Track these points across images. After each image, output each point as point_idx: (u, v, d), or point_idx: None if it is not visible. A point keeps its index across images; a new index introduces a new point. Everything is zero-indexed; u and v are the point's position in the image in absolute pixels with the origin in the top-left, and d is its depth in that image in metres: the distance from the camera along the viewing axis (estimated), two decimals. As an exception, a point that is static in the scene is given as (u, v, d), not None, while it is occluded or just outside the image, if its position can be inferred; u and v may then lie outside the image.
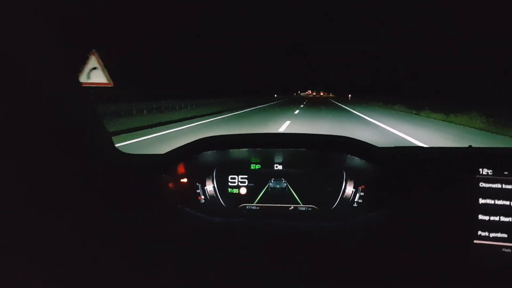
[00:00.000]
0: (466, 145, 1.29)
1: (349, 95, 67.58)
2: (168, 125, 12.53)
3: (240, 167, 1.42)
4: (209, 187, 1.42)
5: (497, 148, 1.24)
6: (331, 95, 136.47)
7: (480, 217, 1.07)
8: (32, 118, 0.83)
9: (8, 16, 0.75)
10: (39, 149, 0.85)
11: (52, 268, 0.87)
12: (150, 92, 23.56)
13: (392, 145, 1.34)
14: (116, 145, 1.28)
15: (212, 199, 1.41)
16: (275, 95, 76.47)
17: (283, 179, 1.39)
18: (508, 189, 1.06)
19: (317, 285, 1.08)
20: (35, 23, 0.83)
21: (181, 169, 1.37)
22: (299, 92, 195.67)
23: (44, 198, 0.86)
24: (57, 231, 0.90)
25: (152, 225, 1.19)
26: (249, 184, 1.41)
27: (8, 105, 0.76)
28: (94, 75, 7.89)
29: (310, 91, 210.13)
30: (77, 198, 0.98)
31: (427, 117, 18.39)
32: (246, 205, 1.40)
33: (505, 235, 1.05)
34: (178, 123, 13.62)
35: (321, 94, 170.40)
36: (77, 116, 1.00)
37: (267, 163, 1.41)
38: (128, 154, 1.39)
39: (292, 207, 1.38)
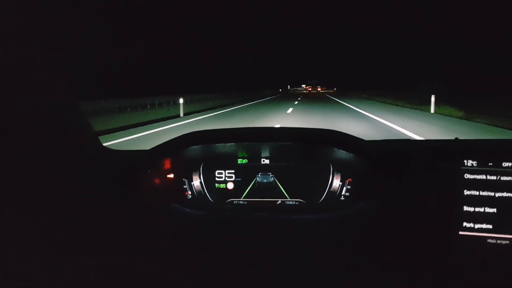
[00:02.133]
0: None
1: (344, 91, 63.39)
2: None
3: (227, 162, 1.41)
4: (196, 182, 1.41)
5: (483, 140, 1.25)
6: (330, 91, 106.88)
7: (465, 208, 1.07)
8: (15, 116, 0.82)
9: None
10: (23, 147, 0.84)
11: (37, 264, 0.86)
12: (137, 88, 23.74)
13: None
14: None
15: (199, 195, 1.40)
16: (280, 90, 72.61)
17: (270, 173, 1.39)
18: (493, 180, 1.07)
19: (306, 278, 1.08)
20: (16, 21, 0.82)
21: (167, 164, 1.36)
22: (289, 87, 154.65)
23: (29, 195, 0.85)
24: (42, 228, 0.89)
25: (138, 221, 1.18)
26: (236, 179, 1.40)
27: None
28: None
29: (305, 85, 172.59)
30: (62, 195, 0.97)
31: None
32: (233, 200, 1.39)
33: (490, 226, 1.06)
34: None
35: (318, 89, 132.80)
36: (60, 113, 0.99)
37: (254, 158, 1.41)
38: (114, 150, 1.38)
39: (280, 201, 1.37)
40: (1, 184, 0.79)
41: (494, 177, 1.07)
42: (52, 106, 0.95)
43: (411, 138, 1.33)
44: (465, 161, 1.09)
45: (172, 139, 1.33)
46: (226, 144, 1.34)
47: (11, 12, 0.79)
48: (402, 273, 1.05)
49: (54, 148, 0.95)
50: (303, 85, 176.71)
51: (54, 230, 0.91)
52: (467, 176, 1.08)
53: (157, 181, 1.32)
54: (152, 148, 1.33)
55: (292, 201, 1.37)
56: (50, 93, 0.94)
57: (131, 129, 10.90)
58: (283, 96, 49.46)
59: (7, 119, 0.79)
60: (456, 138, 1.26)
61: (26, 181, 0.83)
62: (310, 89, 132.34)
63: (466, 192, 1.08)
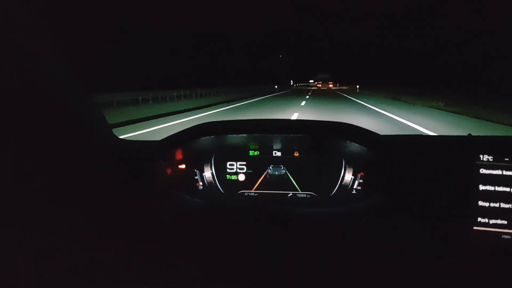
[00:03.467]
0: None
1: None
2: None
3: (239, 154, 1.41)
4: (207, 173, 1.41)
5: (497, 136, 1.23)
6: (344, 87, 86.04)
7: (480, 203, 1.06)
8: (30, 111, 0.83)
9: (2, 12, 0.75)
10: (37, 140, 0.85)
11: (56, 255, 0.87)
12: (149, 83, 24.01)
13: None
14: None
15: (210, 186, 1.40)
16: (276, 86, 55.90)
17: (281, 165, 1.38)
18: (509, 175, 1.05)
19: (316, 270, 1.08)
20: (28, 17, 0.82)
21: (179, 155, 1.36)
22: (292, 83, 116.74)
23: (44, 188, 0.86)
24: (60, 219, 0.90)
25: (150, 211, 1.19)
26: (247, 171, 1.40)
27: (5, 99, 0.76)
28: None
29: (313, 81, 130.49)
30: (74, 185, 0.98)
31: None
32: (244, 192, 1.39)
33: (504, 222, 1.05)
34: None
35: (330, 85, 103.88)
36: (73, 103, 0.99)
37: (266, 150, 1.40)
38: (126, 140, 1.38)
39: (291, 194, 1.37)
40: (13, 175, 0.79)
41: (510, 173, 1.05)
42: (65, 96, 0.95)
43: (425, 134, 1.32)
44: (481, 156, 1.07)
45: (184, 130, 1.33)
46: (238, 135, 1.34)
47: (26, 5, 0.79)
48: (415, 268, 1.04)
49: (66, 138, 0.96)
50: (311, 81, 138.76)
51: (64, 220, 0.92)
52: (482, 171, 1.07)
53: (168, 171, 1.33)
54: (164, 138, 1.33)
55: (304, 194, 1.36)
56: (63, 84, 0.95)
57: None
58: (278, 96, 33.04)
59: (18, 109, 0.79)
60: (469, 134, 1.24)
61: (37, 172, 0.84)
62: (319, 85, 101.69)
63: (481, 187, 1.06)
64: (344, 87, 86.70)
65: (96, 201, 1.04)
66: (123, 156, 1.26)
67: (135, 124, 10.28)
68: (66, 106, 0.94)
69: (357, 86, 60.02)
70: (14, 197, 0.78)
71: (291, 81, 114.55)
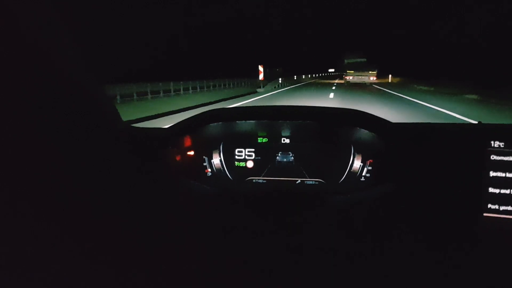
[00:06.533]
0: None
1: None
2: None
3: (247, 141, 1.41)
4: (216, 160, 1.41)
5: (508, 124, 1.22)
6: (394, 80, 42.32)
7: (491, 190, 1.06)
8: (40, 102, 0.83)
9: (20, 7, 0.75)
10: (46, 130, 0.85)
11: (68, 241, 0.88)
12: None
13: None
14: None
15: (218, 172, 1.41)
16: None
17: (290, 152, 1.38)
18: None
19: (324, 257, 1.08)
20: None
21: (187, 142, 1.37)
22: (295, 77, 45.10)
23: (49, 174, 0.87)
24: (63, 205, 0.91)
25: (159, 198, 1.20)
26: (256, 158, 1.41)
27: (16, 91, 0.76)
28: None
29: (334, 70, 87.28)
30: (83, 171, 0.99)
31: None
32: (253, 179, 1.40)
33: None
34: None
35: (372, 79, 37.45)
36: (82, 89, 0.99)
37: (274, 137, 1.40)
38: (135, 127, 1.39)
39: (299, 181, 1.37)
40: (23, 162, 0.80)
41: None
42: (76, 87, 0.96)
43: (436, 122, 1.29)
44: (492, 142, 1.07)
45: (192, 116, 1.34)
46: (247, 122, 1.34)
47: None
48: (424, 256, 1.04)
49: (75, 124, 0.97)
50: (331, 70, 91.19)
51: (75, 206, 0.92)
52: (493, 157, 1.06)
53: (177, 158, 1.33)
54: (173, 125, 1.34)
55: (312, 180, 1.36)
56: (76, 75, 0.95)
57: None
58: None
59: (29, 101, 0.80)
60: (480, 122, 1.23)
61: (47, 159, 0.85)
62: (350, 77, 38.56)
63: (492, 174, 1.06)
64: (394, 80, 43.51)
65: (107, 190, 1.05)
66: (132, 143, 1.27)
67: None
68: (77, 96, 0.95)
69: (395, 80, 38.40)
70: (27, 191, 0.78)
71: (295, 76, 47.66)
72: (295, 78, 39.96)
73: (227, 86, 28.22)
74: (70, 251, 0.88)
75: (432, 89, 25.37)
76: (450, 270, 1.01)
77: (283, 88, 27.66)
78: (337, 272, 1.06)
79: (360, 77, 36.65)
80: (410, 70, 42.31)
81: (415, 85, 29.79)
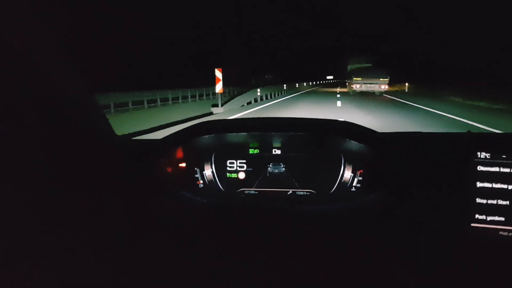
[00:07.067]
0: None
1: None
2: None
3: (239, 152, 1.42)
4: (208, 171, 1.42)
5: (495, 133, 1.23)
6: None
7: (478, 200, 1.07)
8: (31, 110, 0.83)
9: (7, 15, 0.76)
10: (34, 136, 0.85)
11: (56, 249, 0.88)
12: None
13: None
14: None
15: (210, 184, 1.42)
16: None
17: (281, 163, 1.40)
18: (506, 172, 1.06)
19: (316, 267, 1.09)
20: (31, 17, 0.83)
21: (179, 153, 1.38)
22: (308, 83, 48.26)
23: (38, 185, 0.86)
24: (51, 218, 0.91)
25: (151, 210, 1.20)
26: (247, 169, 1.42)
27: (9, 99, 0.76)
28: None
29: (333, 77, 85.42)
30: (73, 182, 0.99)
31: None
32: (244, 190, 1.40)
33: (502, 219, 1.06)
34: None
35: (384, 87, 27.93)
36: (73, 101, 1.00)
37: (266, 148, 1.42)
38: (127, 138, 1.39)
39: (291, 192, 1.38)
40: (11, 174, 0.80)
41: (507, 170, 1.06)
42: (64, 95, 0.96)
43: (423, 131, 1.32)
44: (478, 153, 1.08)
45: (184, 128, 1.34)
46: (238, 133, 1.35)
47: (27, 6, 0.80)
48: (413, 264, 1.05)
49: (65, 136, 0.97)
50: (329, 77, 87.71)
51: (64, 219, 0.92)
52: (480, 168, 1.08)
53: (169, 169, 1.34)
54: (165, 137, 1.34)
55: (303, 191, 1.37)
56: (62, 84, 0.95)
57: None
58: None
59: (17, 110, 0.80)
60: (469, 131, 1.25)
61: (35, 171, 0.84)
62: (357, 85, 28.66)
63: (478, 184, 1.07)
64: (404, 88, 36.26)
65: (98, 199, 1.04)
66: (123, 154, 1.27)
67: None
68: (68, 105, 0.95)
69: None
70: (21, 196, 0.78)
71: (258, 90, 20.49)
72: (285, 88, 29.02)
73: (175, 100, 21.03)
74: (66, 254, 0.88)
75: (481, 104, 17.17)
76: (437, 280, 1.02)
77: (261, 104, 17.89)
78: (329, 281, 1.07)
79: (369, 85, 29.45)
80: (422, 74, 36.15)
81: (446, 96, 22.56)
